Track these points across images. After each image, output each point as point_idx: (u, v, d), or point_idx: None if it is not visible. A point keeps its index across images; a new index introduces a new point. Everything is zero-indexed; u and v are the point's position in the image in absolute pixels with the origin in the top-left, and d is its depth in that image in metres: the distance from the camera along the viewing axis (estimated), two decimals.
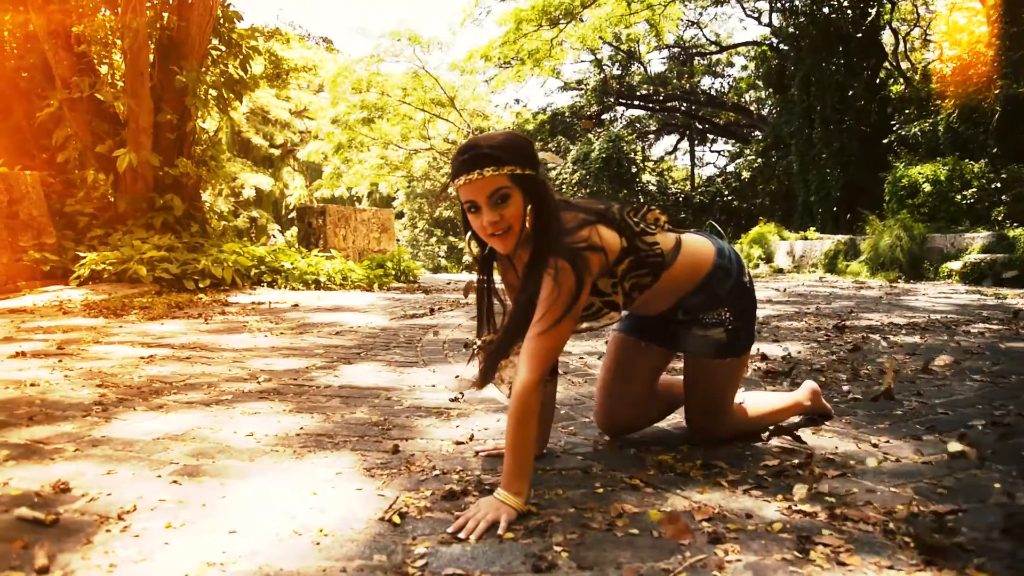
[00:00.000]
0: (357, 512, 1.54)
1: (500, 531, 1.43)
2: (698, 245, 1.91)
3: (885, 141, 14.27)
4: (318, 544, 1.38)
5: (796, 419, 2.33)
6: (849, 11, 15.90)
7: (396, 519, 1.50)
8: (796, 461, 1.89)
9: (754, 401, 2.18)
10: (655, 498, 1.65)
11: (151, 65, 8.42)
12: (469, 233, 1.76)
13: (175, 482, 1.74)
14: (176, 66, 8.40)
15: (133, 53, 7.96)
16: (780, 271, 13.03)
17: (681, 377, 2.17)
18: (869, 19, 15.67)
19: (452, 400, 2.68)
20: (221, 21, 9.35)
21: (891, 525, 1.46)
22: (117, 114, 8.64)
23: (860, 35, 15.67)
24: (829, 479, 1.76)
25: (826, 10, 16.21)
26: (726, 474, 1.81)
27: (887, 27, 16.42)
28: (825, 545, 1.38)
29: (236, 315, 5.67)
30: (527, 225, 1.65)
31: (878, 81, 16.10)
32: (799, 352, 3.73)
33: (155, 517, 1.51)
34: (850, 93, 15.61)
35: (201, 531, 1.44)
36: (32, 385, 2.93)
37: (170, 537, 1.41)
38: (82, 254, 7.55)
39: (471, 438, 2.14)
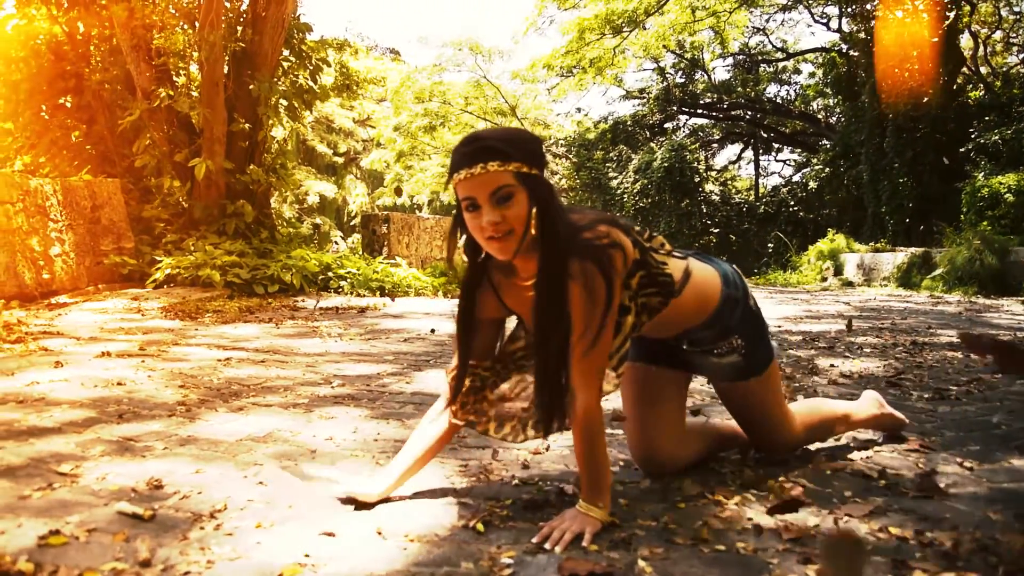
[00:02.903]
0: (440, 519, 1.56)
1: (585, 542, 1.42)
2: (705, 275, 1.77)
3: (963, 150, 13.75)
4: (404, 549, 1.40)
5: (875, 435, 2.26)
6: (925, 14, 15.39)
7: (480, 527, 1.50)
8: (883, 482, 1.83)
9: (816, 407, 2.08)
10: (739, 515, 1.61)
11: (226, 76, 8.72)
12: (464, 236, 1.58)
13: (261, 483, 1.79)
14: (249, 77, 8.68)
15: (209, 65, 8.26)
16: (850, 284, 12.66)
17: (718, 421, 2.10)
18: (947, 22, 15.13)
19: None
20: (293, 33, 9.62)
21: (991, 552, 1.40)
22: (193, 123, 8.97)
23: (936, 39, 15.14)
24: (920, 501, 1.70)
25: (900, 13, 15.72)
26: (811, 493, 1.76)
27: (966, 30, 15.81)
28: (923, 571, 1.33)
29: (305, 320, 5.79)
30: (531, 231, 1.49)
31: (955, 87, 15.52)
32: (876, 368, 3.61)
33: (245, 516, 1.55)
34: (925, 100, 15.09)
35: (290, 532, 1.47)
36: (119, 384, 3.05)
37: (261, 536, 1.44)
38: (158, 258, 7.85)
39: (547, 448, 2.13)
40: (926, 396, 2.93)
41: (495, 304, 1.70)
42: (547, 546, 1.40)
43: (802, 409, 2.03)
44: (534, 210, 1.48)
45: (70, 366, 3.49)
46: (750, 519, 1.58)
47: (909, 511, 1.64)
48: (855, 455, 2.08)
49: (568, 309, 1.51)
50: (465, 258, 1.63)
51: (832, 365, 3.72)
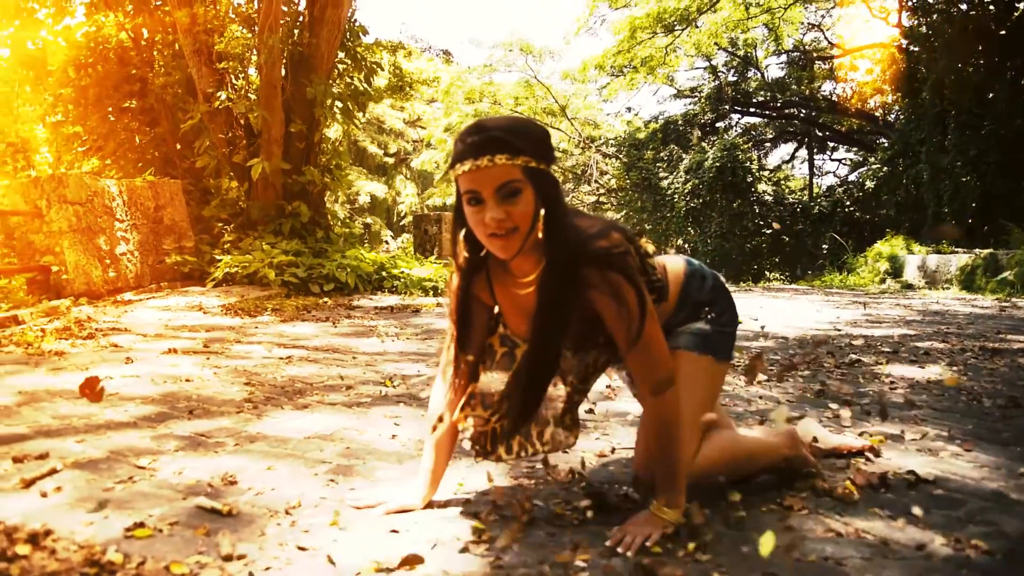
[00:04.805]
0: (512, 520, 1.56)
1: (649, 543, 1.41)
2: (667, 262, 1.74)
3: None
4: (479, 550, 1.40)
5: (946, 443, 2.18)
6: (992, 7, 14.83)
7: (551, 529, 1.50)
8: (957, 495, 1.77)
9: (730, 438, 1.77)
10: (812, 522, 1.58)
11: (283, 78, 8.89)
12: (463, 230, 1.48)
13: (332, 480, 1.82)
14: (306, 79, 8.83)
15: (268, 68, 8.42)
16: (910, 287, 12.30)
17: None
18: (1016, 14, 14.56)
19: (587, 411, 2.67)
20: (348, 36, 9.76)
21: None
22: (251, 125, 9.17)
23: (1004, 32, 14.59)
24: (999, 514, 1.64)
25: (964, 6, 15.20)
26: (880, 502, 1.71)
27: None
28: None
29: (361, 319, 5.87)
30: (538, 232, 1.41)
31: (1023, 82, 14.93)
32: (942, 376, 3.50)
33: (319, 514, 1.58)
34: (990, 95, 14.55)
35: (363, 530, 1.50)
36: (187, 381, 3.14)
37: (336, 534, 1.47)
38: (217, 257, 8.05)
39: (612, 451, 2.12)
40: (1000, 403, 2.82)
41: (486, 293, 1.61)
42: (620, 549, 1.40)
43: (720, 437, 1.72)
44: (541, 211, 1.40)
45: (139, 362, 3.60)
46: (825, 526, 1.55)
47: (989, 523, 1.58)
48: (923, 462, 2.02)
49: (569, 319, 1.45)
50: (465, 252, 1.51)
51: (895, 372, 3.62)
